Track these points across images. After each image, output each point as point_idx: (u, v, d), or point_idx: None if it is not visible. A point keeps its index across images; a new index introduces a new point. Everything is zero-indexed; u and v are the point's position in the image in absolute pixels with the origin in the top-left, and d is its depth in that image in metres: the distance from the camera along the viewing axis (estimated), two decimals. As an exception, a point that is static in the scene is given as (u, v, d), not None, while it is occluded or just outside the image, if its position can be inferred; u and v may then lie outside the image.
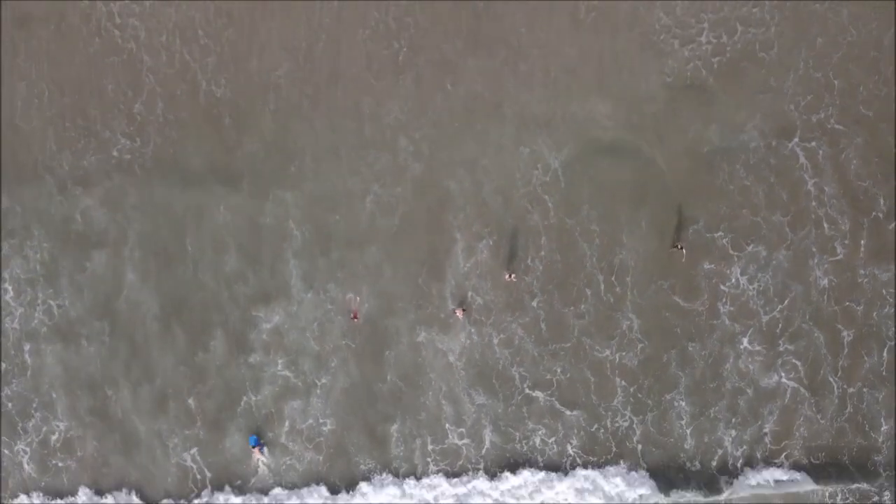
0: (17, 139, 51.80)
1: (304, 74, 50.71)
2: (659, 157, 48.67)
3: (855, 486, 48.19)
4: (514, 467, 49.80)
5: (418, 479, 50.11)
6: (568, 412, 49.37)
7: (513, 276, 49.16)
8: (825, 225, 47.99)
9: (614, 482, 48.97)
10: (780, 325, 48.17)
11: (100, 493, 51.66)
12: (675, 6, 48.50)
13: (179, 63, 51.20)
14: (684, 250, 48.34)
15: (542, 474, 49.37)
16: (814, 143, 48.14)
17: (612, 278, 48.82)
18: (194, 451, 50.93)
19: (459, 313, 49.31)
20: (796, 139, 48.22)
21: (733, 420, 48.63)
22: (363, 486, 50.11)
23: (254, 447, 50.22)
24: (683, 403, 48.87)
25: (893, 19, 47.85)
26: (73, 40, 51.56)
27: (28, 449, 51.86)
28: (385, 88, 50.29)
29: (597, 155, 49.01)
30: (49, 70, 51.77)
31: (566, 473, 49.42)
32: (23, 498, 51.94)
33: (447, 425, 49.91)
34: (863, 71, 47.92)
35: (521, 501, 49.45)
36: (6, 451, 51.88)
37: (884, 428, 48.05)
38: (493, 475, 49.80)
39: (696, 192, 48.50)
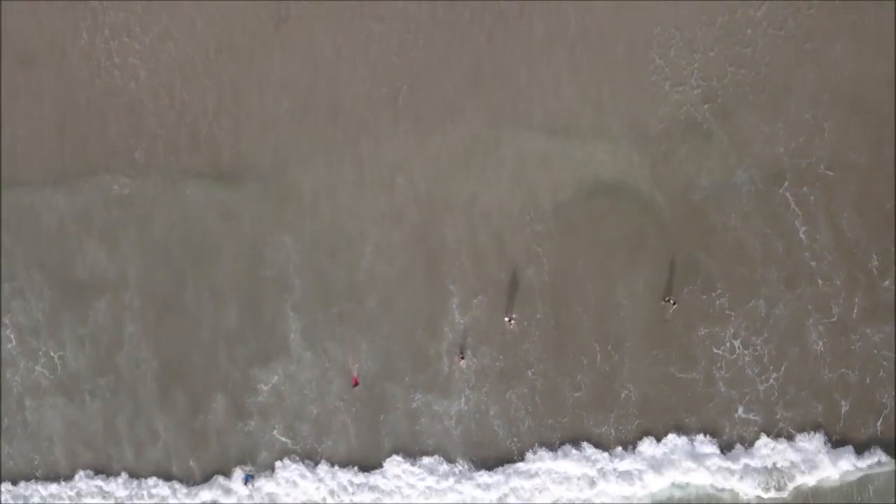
0: (17, 179, 52.62)
1: (304, 112, 51.50)
2: (653, 204, 48.89)
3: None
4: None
5: None
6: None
7: (512, 320, 49.26)
8: (819, 281, 47.65)
9: None
10: (775, 394, 47.86)
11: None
12: (670, 48, 49.40)
13: (180, 105, 52.16)
14: (675, 304, 48.27)
15: None
16: (805, 189, 48.05)
17: (609, 347, 48.71)
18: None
19: (461, 362, 49.42)
20: (786, 184, 48.20)
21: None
22: None
23: (246, 483, 50.53)
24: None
25: (893, 28, 48.18)
26: (74, 81, 52.76)
27: (28, 512, 51.81)
28: (384, 127, 51.02)
29: (593, 198, 49.25)
30: (50, 111, 52.80)
31: None
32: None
33: (446, 497, 49.70)
34: (855, 115, 48.08)
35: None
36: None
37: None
38: None
39: (690, 245, 48.49)
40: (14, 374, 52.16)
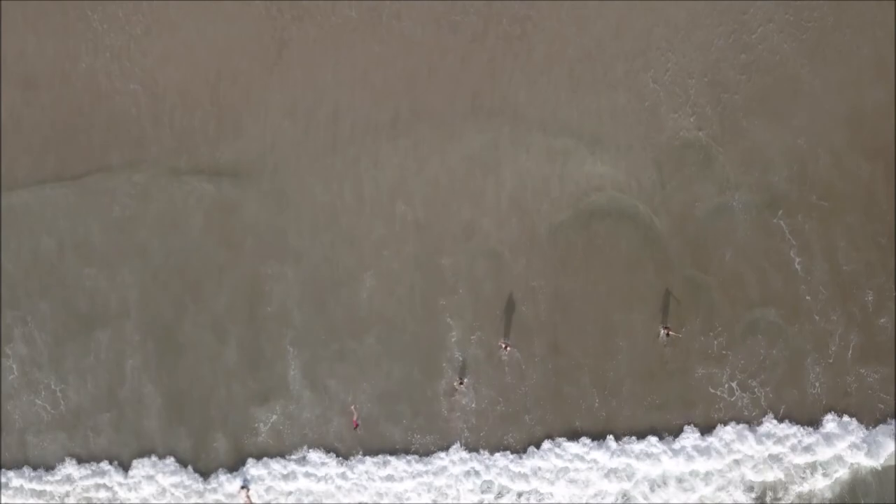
0: (16, 200, 52.11)
1: (305, 136, 51.53)
2: (651, 231, 49.10)
3: None
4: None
5: None
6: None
7: (507, 346, 49.13)
8: (816, 317, 47.84)
9: None
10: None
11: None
12: (666, 70, 49.97)
13: (181, 129, 51.98)
14: (670, 334, 48.21)
15: None
16: (799, 218, 48.38)
17: (606, 392, 48.70)
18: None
19: (460, 386, 49.36)
20: (781, 213, 48.54)
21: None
22: None
23: (242, 488, 50.18)
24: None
25: (892, 54, 48.86)
26: (74, 105, 52.44)
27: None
28: (384, 150, 51.18)
29: (589, 224, 49.45)
30: (51, 132, 52.39)
31: None
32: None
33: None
34: (850, 143, 48.60)
35: None
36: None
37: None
38: None
39: (686, 278, 48.69)
40: (14, 407, 51.95)
